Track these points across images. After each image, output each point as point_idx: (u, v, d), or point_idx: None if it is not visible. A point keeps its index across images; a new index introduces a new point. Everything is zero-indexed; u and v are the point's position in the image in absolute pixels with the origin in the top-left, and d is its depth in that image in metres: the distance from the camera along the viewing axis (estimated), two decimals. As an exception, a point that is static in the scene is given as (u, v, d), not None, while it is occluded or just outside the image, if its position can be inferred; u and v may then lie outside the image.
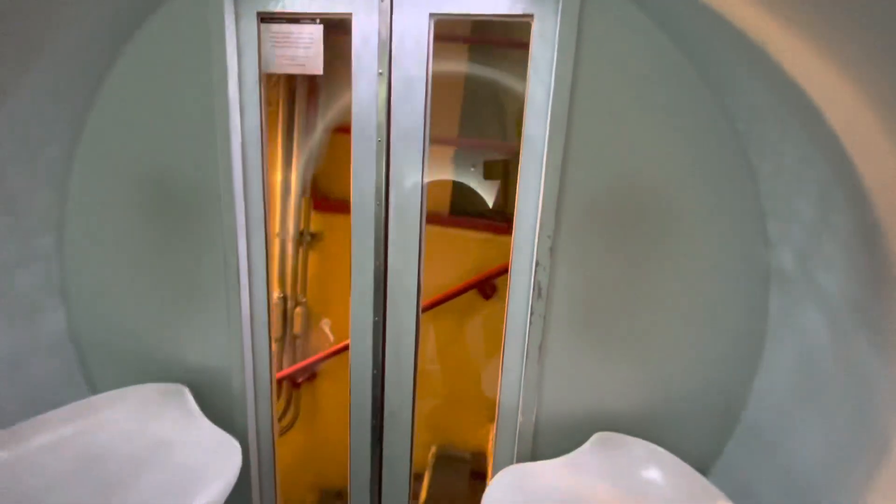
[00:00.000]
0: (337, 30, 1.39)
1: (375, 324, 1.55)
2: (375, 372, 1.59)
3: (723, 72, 1.18)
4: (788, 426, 1.24)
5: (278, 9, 1.37)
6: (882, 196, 0.88)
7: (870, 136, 0.86)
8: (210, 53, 1.35)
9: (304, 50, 1.39)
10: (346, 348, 1.68)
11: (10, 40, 1.15)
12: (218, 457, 1.31)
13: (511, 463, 1.50)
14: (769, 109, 1.12)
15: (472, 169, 2.09)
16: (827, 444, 1.11)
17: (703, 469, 1.40)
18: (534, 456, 1.49)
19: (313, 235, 2.22)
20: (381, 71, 1.36)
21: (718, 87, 1.21)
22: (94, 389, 1.63)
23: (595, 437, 1.40)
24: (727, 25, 1.07)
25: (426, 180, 1.44)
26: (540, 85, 1.31)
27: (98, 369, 1.63)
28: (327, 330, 2.43)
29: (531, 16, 1.28)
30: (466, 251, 2.16)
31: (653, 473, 1.29)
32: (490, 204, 2.10)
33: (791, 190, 1.16)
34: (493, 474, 1.48)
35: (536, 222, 1.36)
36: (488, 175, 2.09)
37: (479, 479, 2.18)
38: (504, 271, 1.71)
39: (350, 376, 1.61)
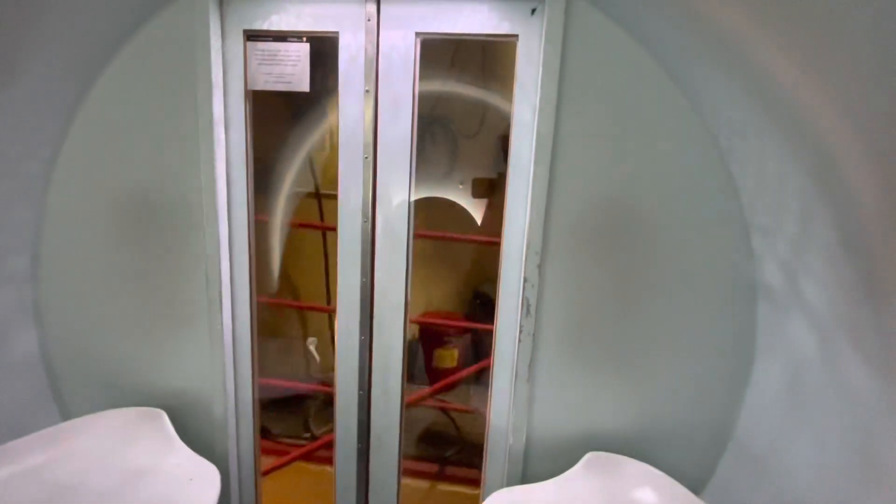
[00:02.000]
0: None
1: (362, 343, 1.51)
2: (362, 393, 1.55)
3: (704, 88, 1.20)
4: (780, 442, 1.23)
5: (265, 27, 1.37)
6: (865, 208, 0.89)
7: (850, 149, 0.87)
8: (195, 70, 1.34)
9: (290, 67, 1.39)
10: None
11: (-12, 55, 1.13)
12: (196, 484, 1.25)
13: (501, 486, 1.46)
14: (749, 123, 1.14)
15: (461, 186, 2.09)
16: (818, 459, 1.10)
17: (696, 489, 1.38)
18: (524, 478, 1.46)
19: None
20: (367, 89, 1.36)
21: (700, 104, 1.23)
22: (67, 414, 1.57)
23: (586, 457, 1.37)
24: (708, 43, 1.10)
25: (413, 197, 1.43)
26: (526, 104, 1.32)
27: (71, 393, 1.56)
28: (313, 349, 2.38)
29: (516, 36, 1.30)
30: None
31: (646, 494, 1.26)
32: (479, 222, 2.08)
33: (773, 203, 1.18)
34: (484, 498, 1.43)
35: (524, 240, 1.35)
36: (476, 193, 2.09)
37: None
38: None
39: (336, 398, 1.57)
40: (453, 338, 2.12)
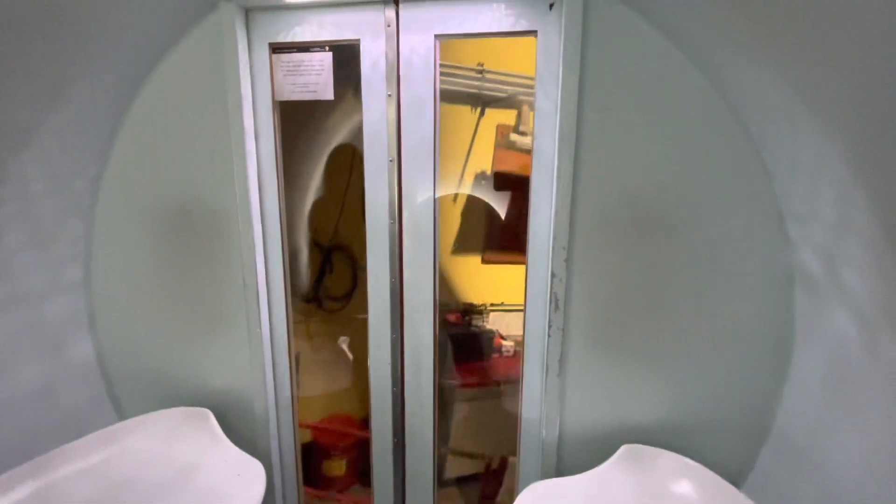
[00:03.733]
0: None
1: (393, 340, 1.55)
2: (395, 389, 1.59)
3: (730, 74, 1.18)
4: (822, 433, 1.20)
5: (289, 39, 1.41)
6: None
7: (887, 132, 0.84)
8: (225, 84, 1.39)
9: (315, 77, 1.43)
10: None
11: (36, 81, 1.21)
12: (242, 480, 1.31)
13: (536, 479, 1.47)
14: (780, 109, 1.11)
15: (483, 182, 2.10)
16: (863, 449, 1.07)
17: (736, 482, 1.36)
18: (559, 471, 1.46)
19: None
20: (389, 93, 1.39)
21: (727, 90, 1.21)
22: (122, 415, 1.66)
23: (622, 450, 1.36)
24: (734, 27, 1.07)
25: (438, 195, 1.46)
26: (547, 99, 1.32)
27: (125, 395, 1.66)
28: (345, 347, 2.44)
29: (535, 32, 1.30)
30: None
31: (684, 487, 1.25)
32: (503, 216, 2.08)
33: (809, 189, 1.14)
34: (518, 491, 1.45)
35: (550, 234, 1.36)
36: (498, 186, 2.09)
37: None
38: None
39: (370, 395, 1.61)
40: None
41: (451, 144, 1.75)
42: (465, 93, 1.76)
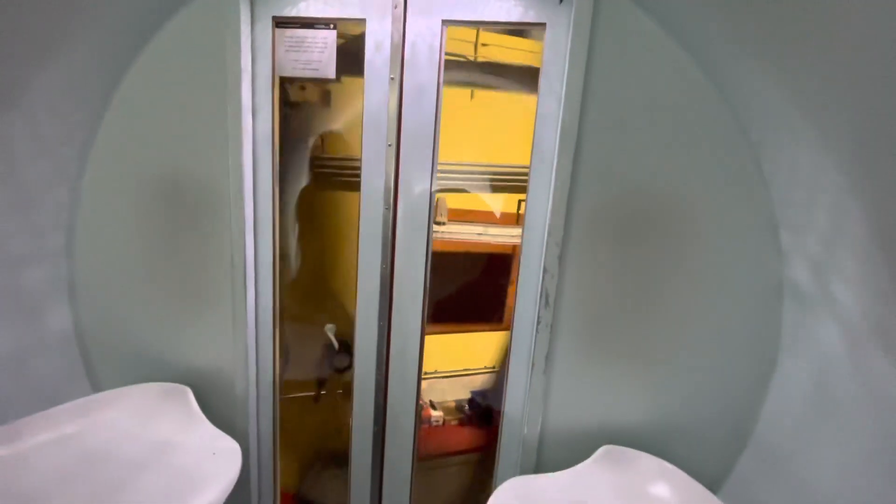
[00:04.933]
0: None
1: (381, 328, 1.54)
2: (379, 377, 1.57)
3: (735, 79, 1.17)
4: (803, 443, 1.21)
5: (293, 13, 1.38)
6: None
7: (885, 143, 0.84)
8: (225, 57, 1.36)
9: (317, 54, 1.40)
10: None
11: (27, 38, 1.17)
12: (218, 459, 1.29)
13: (514, 475, 1.47)
14: (781, 116, 1.11)
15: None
16: (843, 462, 1.08)
17: (713, 487, 1.37)
18: (538, 468, 1.46)
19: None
20: (392, 76, 1.37)
21: (730, 95, 1.21)
22: (98, 388, 1.63)
23: (601, 450, 1.37)
24: (741, 32, 1.07)
25: (435, 186, 1.44)
26: (551, 93, 1.31)
27: (102, 368, 1.62)
28: (331, 336, 2.41)
29: (543, 24, 1.29)
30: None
31: (661, 489, 1.26)
32: (497, 214, 2.07)
33: (805, 198, 1.15)
34: (496, 486, 1.45)
35: (545, 229, 1.35)
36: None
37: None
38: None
39: (353, 380, 1.60)
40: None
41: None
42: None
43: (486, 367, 1.99)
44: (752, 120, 1.19)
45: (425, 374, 1.86)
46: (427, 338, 1.80)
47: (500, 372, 2.03)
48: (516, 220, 1.86)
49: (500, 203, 1.77)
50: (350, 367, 1.72)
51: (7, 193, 1.33)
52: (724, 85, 1.20)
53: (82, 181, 1.51)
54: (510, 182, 1.67)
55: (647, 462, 1.33)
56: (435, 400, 1.90)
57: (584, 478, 1.31)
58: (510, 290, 1.93)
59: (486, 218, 1.78)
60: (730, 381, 1.36)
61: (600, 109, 1.26)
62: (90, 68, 1.36)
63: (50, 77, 1.28)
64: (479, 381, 1.94)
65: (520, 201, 1.85)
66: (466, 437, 1.85)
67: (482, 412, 1.90)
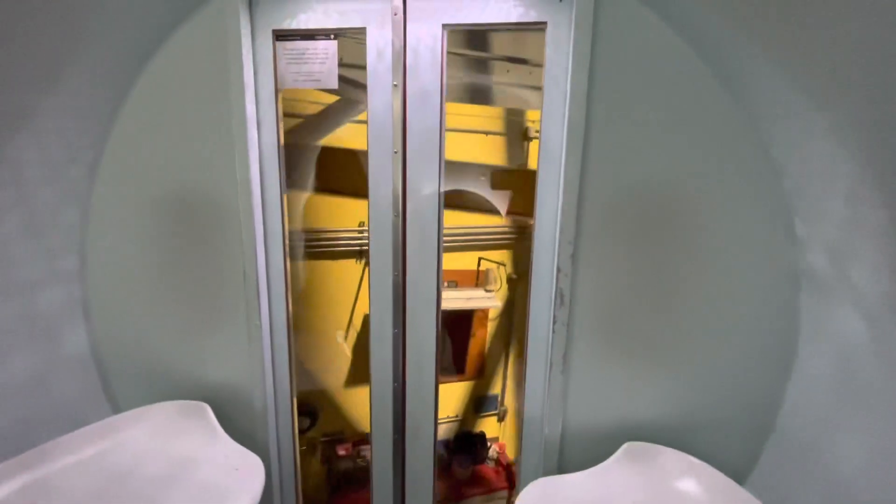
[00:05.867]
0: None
1: (395, 335, 1.53)
2: (396, 385, 1.57)
3: (741, 69, 1.16)
4: (828, 432, 1.19)
5: (293, 26, 1.39)
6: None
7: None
8: (227, 72, 1.36)
9: (318, 65, 1.40)
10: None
11: (33, 63, 1.18)
12: (241, 475, 1.29)
13: (537, 476, 1.46)
14: (792, 105, 1.10)
15: (482, 178, 2.10)
16: (870, 449, 1.06)
17: (738, 479, 1.36)
18: (560, 468, 1.45)
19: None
20: (395, 83, 1.37)
21: (737, 86, 1.20)
22: (117, 407, 1.63)
23: (624, 447, 1.36)
24: (747, 23, 1.06)
25: (443, 189, 1.44)
26: (556, 92, 1.30)
27: (120, 387, 1.63)
28: (342, 342, 2.42)
29: (544, 23, 1.28)
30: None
31: (688, 485, 1.25)
32: (503, 212, 2.10)
33: (819, 187, 1.14)
34: (519, 489, 1.44)
35: (556, 228, 1.34)
36: (495, 185, 2.10)
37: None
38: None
39: (370, 390, 1.59)
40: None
41: (337, 293, 1.89)
42: (348, 250, 1.92)
43: (449, 417, 2.04)
44: (762, 111, 1.18)
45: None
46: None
47: (464, 420, 2.06)
48: (475, 280, 1.91)
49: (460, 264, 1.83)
50: (311, 428, 1.71)
51: (20, 217, 1.34)
52: (732, 77, 1.19)
53: (91, 200, 1.51)
54: (468, 242, 1.71)
55: (672, 457, 1.32)
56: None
57: (609, 476, 1.30)
58: (471, 342, 1.98)
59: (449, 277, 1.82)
60: (749, 372, 1.35)
61: (606, 105, 1.25)
62: (95, 89, 1.37)
63: (57, 100, 1.28)
64: (443, 431, 1.96)
65: (479, 258, 1.91)
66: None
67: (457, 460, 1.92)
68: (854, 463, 1.11)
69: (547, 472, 1.45)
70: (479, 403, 2.12)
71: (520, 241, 1.98)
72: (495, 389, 2.09)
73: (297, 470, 1.69)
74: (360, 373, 1.97)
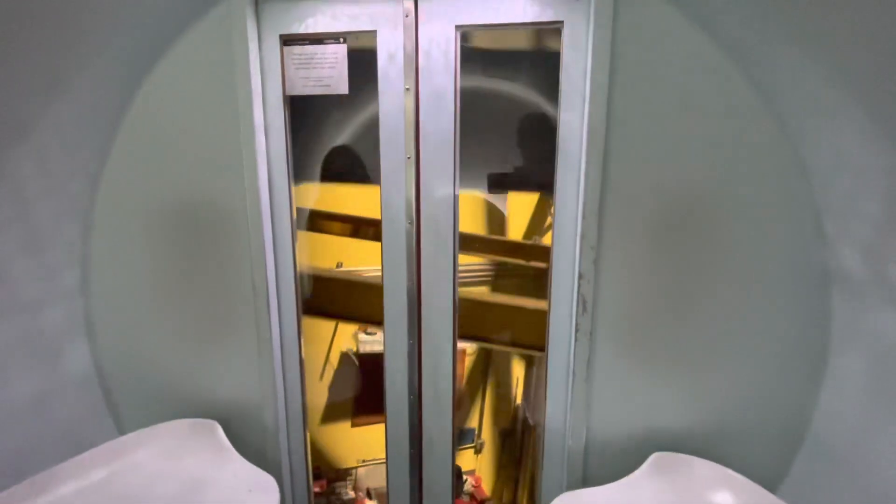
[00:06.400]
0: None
1: (410, 347, 1.48)
2: (412, 398, 1.52)
3: (769, 64, 1.13)
4: (864, 439, 1.15)
5: (301, 30, 1.35)
6: None
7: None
8: (234, 78, 1.32)
9: (328, 70, 1.36)
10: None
11: (33, 75, 1.13)
12: (255, 495, 1.24)
13: (561, 490, 1.42)
14: (823, 101, 1.06)
15: (350, 357, 2.09)
16: None
17: (770, 488, 1.31)
18: (585, 482, 1.40)
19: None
20: (407, 86, 1.33)
21: (765, 81, 1.16)
22: (123, 427, 1.58)
23: (652, 458, 1.31)
24: (772, 13, 1.03)
25: (458, 193, 1.40)
26: (574, 93, 1.26)
27: (125, 406, 1.57)
28: (352, 356, 2.37)
29: (561, 23, 1.25)
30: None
31: (722, 496, 1.20)
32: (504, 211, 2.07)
33: (852, 185, 1.10)
34: (543, 501, 1.39)
35: (577, 233, 1.30)
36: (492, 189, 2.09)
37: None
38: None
39: (385, 403, 1.54)
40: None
41: (315, 333, 1.89)
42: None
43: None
44: (791, 107, 1.15)
45: (362, 461, 1.95)
46: (356, 430, 1.90)
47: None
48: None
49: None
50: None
51: (20, 235, 1.29)
52: (758, 71, 1.16)
53: (93, 213, 1.46)
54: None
55: (703, 468, 1.27)
56: (372, 486, 1.93)
57: (638, 488, 1.25)
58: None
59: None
60: (780, 378, 1.31)
61: (627, 105, 1.21)
62: (98, 97, 1.32)
63: (58, 110, 1.24)
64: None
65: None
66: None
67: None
68: (893, 472, 1.06)
69: (571, 486, 1.40)
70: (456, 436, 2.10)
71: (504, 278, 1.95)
72: (472, 423, 2.07)
73: (310, 490, 1.64)
74: (337, 410, 1.98)
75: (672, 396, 1.35)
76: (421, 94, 1.33)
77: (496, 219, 1.92)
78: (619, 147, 1.23)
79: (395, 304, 1.46)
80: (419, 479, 1.57)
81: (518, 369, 2.06)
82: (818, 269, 1.24)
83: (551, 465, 1.47)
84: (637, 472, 1.29)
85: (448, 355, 1.48)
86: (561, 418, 1.43)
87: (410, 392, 1.52)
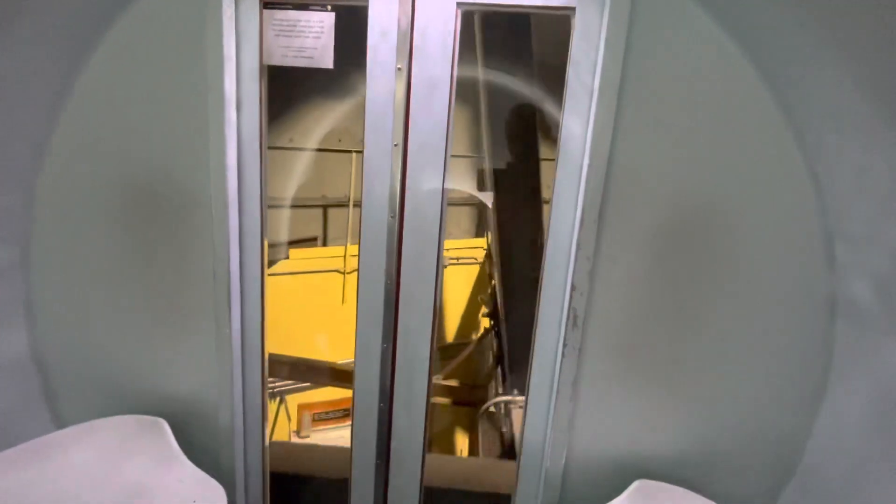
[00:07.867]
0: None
1: (384, 351, 1.37)
2: (382, 406, 1.41)
3: (791, 72, 1.04)
4: (860, 474, 1.09)
5: (284, -6, 1.21)
6: None
7: None
8: (204, 42, 1.18)
9: (312, 40, 1.23)
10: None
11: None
12: (200, 506, 1.12)
13: (535, 512, 1.33)
14: (849, 114, 0.98)
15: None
16: None
17: (755, 522, 1.25)
18: (562, 505, 1.32)
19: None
20: (399, 66, 1.20)
21: (785, 90, 1.07)
22: (61, 420, 1.44)
23: (635, 485, 1.23)
24: (800, 17, 0.93)
25: (447, 187, 1.28)
26: (580, 88, 1.16)
27: (65, 397, 1.43)
28: (323, 347, 2.25)
29: (572, 9, 1.13)
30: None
31: (708, 535, 1.13)
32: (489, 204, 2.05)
33: (871, 207, 1.02)
34: (515, 525, 1.30)
35: (573, 241, 1.20)
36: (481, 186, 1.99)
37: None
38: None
39: (352, 410, 1.43)
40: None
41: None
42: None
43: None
44: (811, 119, 1.06)
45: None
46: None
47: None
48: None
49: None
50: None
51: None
52: (779, 79, 1.07)
53: (37, 183, 1.31)
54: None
55: (686, 499, 1.20)
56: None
57: (618, 520, 1.17)
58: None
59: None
60: (774, 406, 1.24)
61: (637, 105, 1.11)
62: (48, 52, 1.17)
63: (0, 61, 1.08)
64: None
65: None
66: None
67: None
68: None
69: (546, 509, 1.32)
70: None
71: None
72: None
73: (266, 497, 1.52)
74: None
75: (661, 420, 1.27)
76: (413, 76, 1.21)
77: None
78: (625, 151, 1.13)
79: (370, 302, 1.34)
80: (384, 496, 1.47)
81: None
82: (824, 296, 1.17)
83: (526, 486, 1.38)
84: (617, 500, 1.21)
85: (425, 362, 1.38)
86: (540, 438, 1.34)
87: (381, 400, 1.41)
